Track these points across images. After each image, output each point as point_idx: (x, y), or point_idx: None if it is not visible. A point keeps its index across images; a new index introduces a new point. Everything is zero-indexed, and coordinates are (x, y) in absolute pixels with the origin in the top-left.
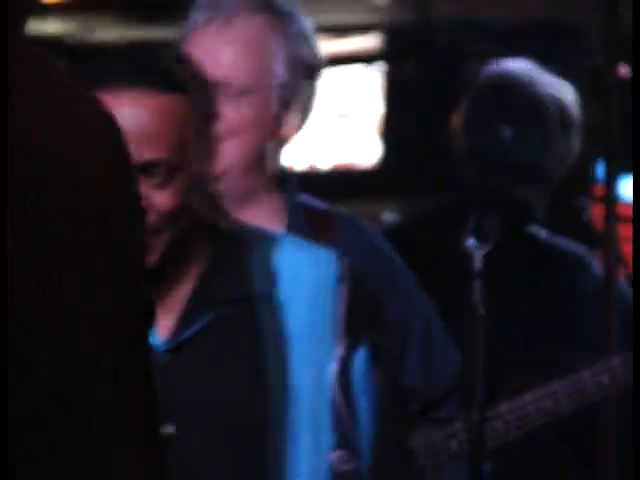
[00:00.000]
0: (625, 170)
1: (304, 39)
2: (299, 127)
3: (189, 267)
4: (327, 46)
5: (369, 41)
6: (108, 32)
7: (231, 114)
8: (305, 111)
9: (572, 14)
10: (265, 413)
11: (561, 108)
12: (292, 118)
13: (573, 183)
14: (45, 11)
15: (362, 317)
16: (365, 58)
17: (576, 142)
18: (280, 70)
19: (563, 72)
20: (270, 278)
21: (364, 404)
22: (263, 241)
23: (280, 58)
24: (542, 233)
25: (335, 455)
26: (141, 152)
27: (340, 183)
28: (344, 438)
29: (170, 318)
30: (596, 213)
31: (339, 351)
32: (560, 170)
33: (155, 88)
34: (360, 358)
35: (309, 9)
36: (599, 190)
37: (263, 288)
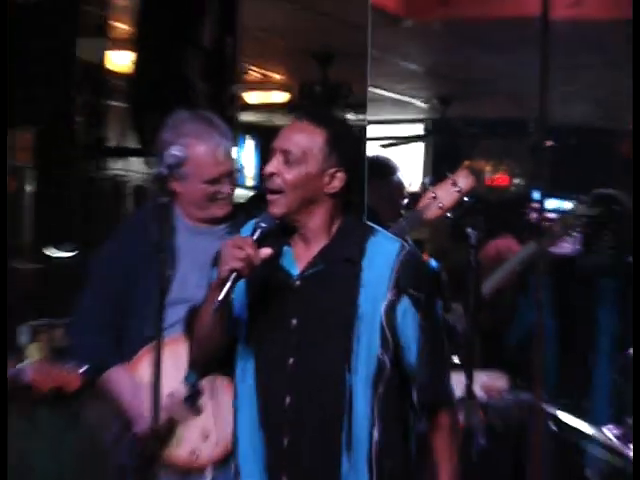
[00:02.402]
0: None
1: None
2: None
3: (329, 228)
4: None
5: None
6: None
7: None
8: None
9: None
10: (348, 324)
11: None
12: None
13: None
14: None
15: (406, 278)
16: None
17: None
18: None
19: None
20: (362, 250)
21: (407, 334)
22: (369, 230)
23: None
24: None
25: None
26: (287, 145)
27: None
28: (387, 348)
29: (306, 260)
30: None
31: (389, 296)
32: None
33: (310, 121)
34: (404, 304)
35: None
36: None
37: (357, 255)
